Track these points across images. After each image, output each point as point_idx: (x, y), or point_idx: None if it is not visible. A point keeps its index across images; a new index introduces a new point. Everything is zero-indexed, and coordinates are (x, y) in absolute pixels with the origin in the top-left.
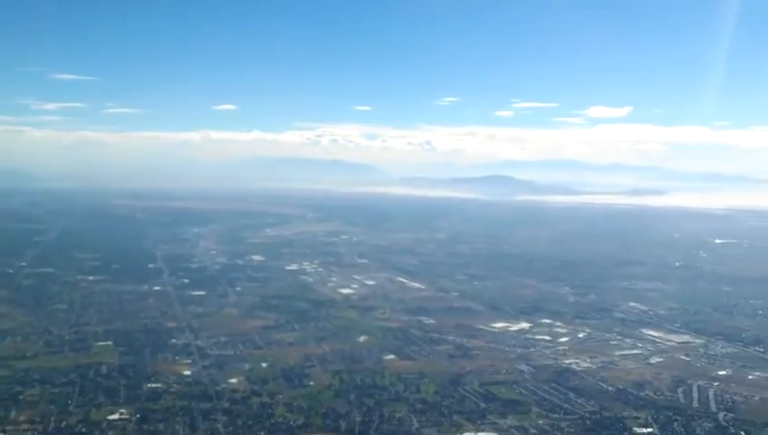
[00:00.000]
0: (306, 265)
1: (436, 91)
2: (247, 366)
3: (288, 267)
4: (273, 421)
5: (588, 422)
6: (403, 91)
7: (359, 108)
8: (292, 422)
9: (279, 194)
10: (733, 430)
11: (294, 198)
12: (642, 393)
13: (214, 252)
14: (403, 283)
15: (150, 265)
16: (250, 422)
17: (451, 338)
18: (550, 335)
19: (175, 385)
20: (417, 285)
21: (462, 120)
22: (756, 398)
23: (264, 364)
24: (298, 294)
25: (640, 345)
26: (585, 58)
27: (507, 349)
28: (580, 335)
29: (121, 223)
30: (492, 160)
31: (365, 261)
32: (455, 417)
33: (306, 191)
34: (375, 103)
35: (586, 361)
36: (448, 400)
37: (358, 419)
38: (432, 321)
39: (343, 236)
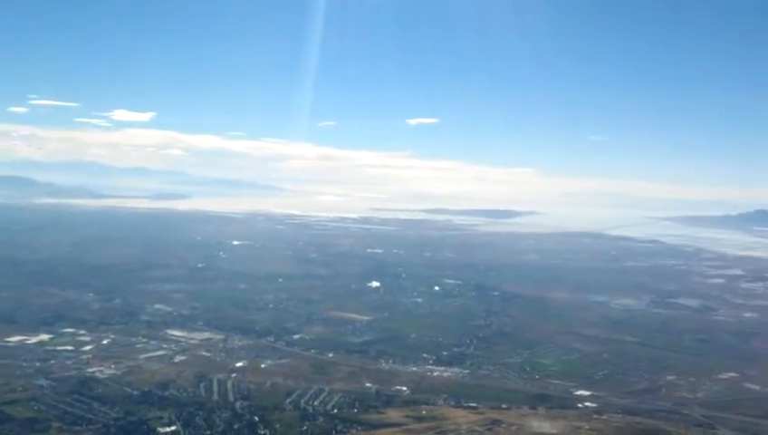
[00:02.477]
0: None
1: None
2: None
3: None
4: None
5: (112, 429)
6: None
7: None
8: None
9: None
10: (248, 417)
11: None
12: (167, 393)
13: None
14: None
15: None
16: None
17: None
18: (73, 345)
19: None
20: None
21: None
22: (268, 384)
23: None
24: None
25: (165, 346)
26: (110, 60)
27: (24, 364)
28: (105, 342)
29: None
30: (7, 160)
31: None
32: None
33: None
34: None
35: (111, 367)
36: None
37: None
38: None
39: None
